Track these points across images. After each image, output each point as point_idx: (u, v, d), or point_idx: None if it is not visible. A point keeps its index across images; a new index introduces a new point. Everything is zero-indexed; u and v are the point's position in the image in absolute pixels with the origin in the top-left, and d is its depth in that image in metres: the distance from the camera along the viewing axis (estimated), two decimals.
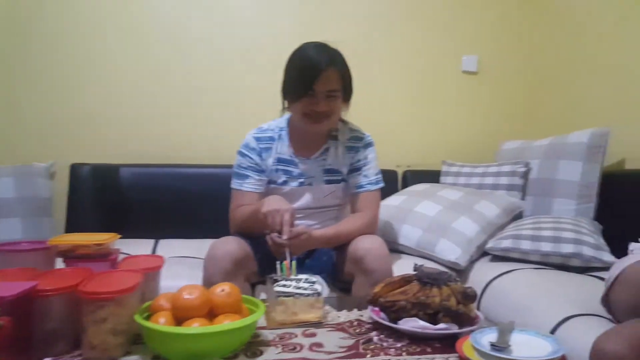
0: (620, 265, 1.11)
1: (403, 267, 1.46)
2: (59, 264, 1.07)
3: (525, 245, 1.59)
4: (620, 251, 1.23)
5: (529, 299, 1.32)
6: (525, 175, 1.97)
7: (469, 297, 1.02)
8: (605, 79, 1.97)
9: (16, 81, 2.09)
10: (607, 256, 1.48)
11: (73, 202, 2.01)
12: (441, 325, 0.99)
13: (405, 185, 2.26)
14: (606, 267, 1.44)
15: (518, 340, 0.90)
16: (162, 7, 2.20)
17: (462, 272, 1.68)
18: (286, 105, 1.50)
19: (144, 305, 0.94)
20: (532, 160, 1.98)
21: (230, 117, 2.23)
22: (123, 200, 2.02)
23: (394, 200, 1.98)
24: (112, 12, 2.15)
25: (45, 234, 1.74)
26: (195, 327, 0.85)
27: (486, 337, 0.90)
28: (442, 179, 2.26)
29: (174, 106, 2.22)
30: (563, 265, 1.54)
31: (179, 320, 0.88)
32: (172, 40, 2.20)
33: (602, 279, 1.21)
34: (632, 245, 1.18)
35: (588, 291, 1.24)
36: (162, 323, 0.86)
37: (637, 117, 1.79)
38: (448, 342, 0.97)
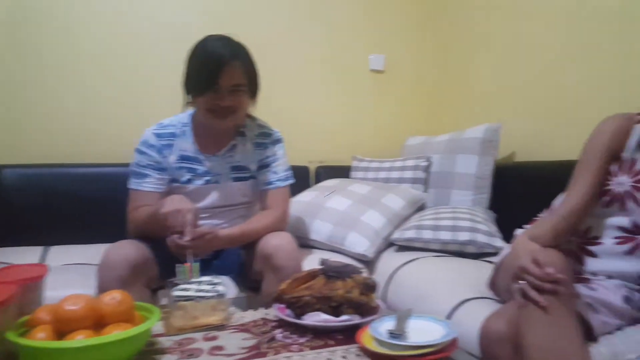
0: (505, 251, 1.21)
1: (314, 262, 1.45)
2: None
3: (427, 234, 1.69)
4: (512, 237, 1.33)
5: (428, 286, 1.40)
6: (427, 169, 2.09)
7: (370, 287, 1.06)
8: (497, 77, 2.15)
9: None
10: (499, 242, 1.61)
11: None
12: (343, 317, 1.01)
13: (318, 180, 2.29)
14: (498, 253, 1.58)
15: (415, 327, 0.94)
16: (55, 4, 2.00)
17: (370, 263, 1.74)
18: (189, 100, 1.44)
19: (21, 320, 0.85)
20: (433, 155, 2.10)
21: (127, 113, 2.09)
22: (7, 204, 1.82)
23: (305, 196, 2.00)
24: None
25: None
26: (79, 339, 0.78)
27: (385, 326, 0.93)
28: (353, 174, 2.32)
29: (66, 101, 2.03)
30: (460, 252, 1.65)
31: (61, 334, 0.80)
32: (64, 35, 2.02)
33: (493, 263, 1.31)
34: (518, 232, 1.29)
35: (481, 276, 1.33)
36: (40, 338, 0.78)
37: (525, 113, 1.97)
38: (350, 333, 0.99)
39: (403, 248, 1.76)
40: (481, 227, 1.65)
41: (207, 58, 1.35)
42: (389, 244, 1.81)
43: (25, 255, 1.52)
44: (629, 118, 1.08)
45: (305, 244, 1.81)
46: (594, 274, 1.09)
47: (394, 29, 2.55)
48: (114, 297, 0.88)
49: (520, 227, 1.28)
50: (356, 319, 1.02)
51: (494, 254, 1.55)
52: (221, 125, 1.44)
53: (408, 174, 2.12)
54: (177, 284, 1.09)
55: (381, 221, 1.81)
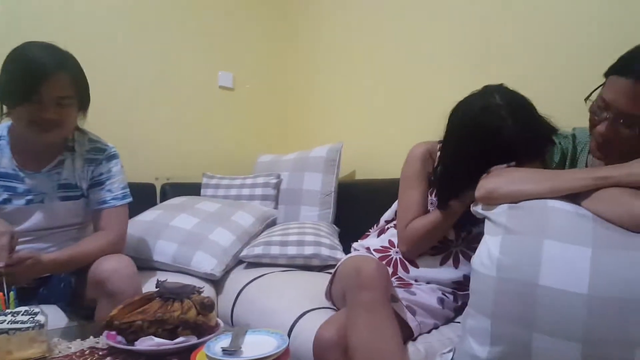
0: (340, 262, 1.36)
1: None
2: None
3: (275, 250, 1.79)
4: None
5: (273, 300, 1.48)
6: (277, 186, 2.21)
7: (207, 306, 1.10)
8: (339, 98, 2.39)
9: None
10: (340, 254, 1.77)
11: None
12: (179, 339, 1.03)
13: (165, 198, 2.25)
14: None
15: (251, 341, 1.00)
16: None
17: (218, 282, 1.78)
18: (5, 111, 1.33)
19: None
20: (282, 173, 2.24)
21: None
22: None
23: (148, 216, 1.95)
24: None
25: None
26: None
27: (220, 344, 0.98)
28: (203, 191, 2.34)
29: None
30: (306, 265, 1.79)
31: None
32: None
33: None
34: (353, 245, 1.46)
35: (323, 287, 1.44)
36: None
37: (363, 133, 2.23)
38: (187, 355, 1.00)
39: (252, 265, 1.83)
40: (325, 241, 1.81)
41: (28, 67, 1.27)
42: (238, 261, 1.87)
43: None
44: (433, 145, 1.32)
45: (149, 265, 1.77)
46: (416, 280, 1.28)
47: (243, 47, 2.66)
48: None
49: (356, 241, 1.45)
50: (192, 340, 1.05)
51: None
52: (45, 139, 1.36)
53: (258, 191, 2.21)
54: None
55: (230, 239, 1.86)
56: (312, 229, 1.88)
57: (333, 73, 2.43)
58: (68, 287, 1.40)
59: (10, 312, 1.03)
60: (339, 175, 2.12)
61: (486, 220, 0.96)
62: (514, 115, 1.05)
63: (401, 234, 1.27)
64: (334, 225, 2.04)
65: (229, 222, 1.94)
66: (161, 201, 2.24)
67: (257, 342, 1.00)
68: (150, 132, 2.36)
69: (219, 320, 1.16)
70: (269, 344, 0.99)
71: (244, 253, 1.83)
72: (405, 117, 2.02)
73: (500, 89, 1.11)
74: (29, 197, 1.39)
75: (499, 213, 0.93)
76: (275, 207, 2.20)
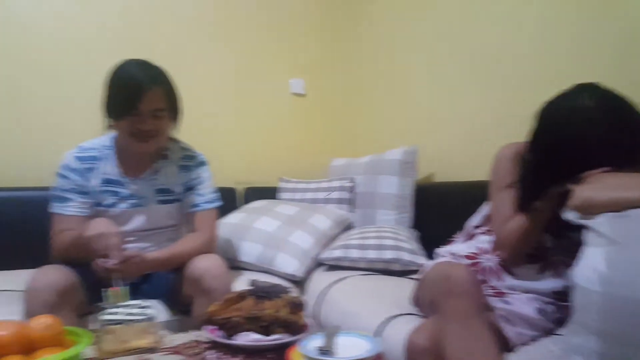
0: (426, 267, 1.37)
1: (245, 283, 1.53)
2: None
3: (354, 253, 1.83)
4: (433, 255, 1.48)
5: (357, 304, 1.51)
6: (352, 190, 2.26)
7: (297, 305, 1.17)
8: (417, 102, 2.39)
9: None
10: (422, 260, 1.77)
11: None
12: (274, 336, 1.11)
13: (246, 202, 2.36)
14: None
15: (343, 343, 1.03)
16: None
17: (300, 283, 1.85)
18: (110, 123, 1.49)
19: None
20: (357, 176, 2.27)
21: (47, 136, 2.09)
22: None
23: (233, 218, 2.07)
24: None
25: None
26: None
27: (314, 343, 1.02)
28: (280, 195, 2.44)
29: None
30: (386, 270, 1.80)
31: None
32: None
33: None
34: (437, 250, 1.45)
35: (406, 293, 1.45)
36: None
37: (440, 136, 2.21)
38: (282, 352, 1.07)
39: (332, 267, 1.88)
40: (405, 246, 1.82)
41: (127, 84, 1.41)
42: (317, 263, 1.93)
43: None
44: (522, 147, 1.29)
45: (235, 265, 1.89)
46: (512, 289, 1.22)
47: (313, 54, 2.75)
48: (43, 322, 0.92)
49: (442, 246, 1.45)
50: (286, 338, 1.12)
51: (418, 272, 1.69)
52: (143, 149, 1.50)
53: (334, 195, 2.27)
54: (105, 308, 1.14)
55: (309, 241, 1.93)
56: (390, 233, 1.90)
57: (405, 74, 2.44)
58: (167, 284, 1.53)
59: (125, 304, 1.16)
60: (415, 178, 2.12)
61: (586, 230, 0.92)
62: (606, 117, 0.99)
63: (498, 237, 1.24)
64: (413, 230, 2.05)
65: (307, 225, 2.01)
66: (242, 205, 2.36)
67: (348, 344, 1.03)
68: (229, 139, 2.51)
69: (309, 320, 1.22)
70: (361, 346, 1.02)
71: (323, 255, 1.89)
72: (485, 118, 1.98)
73: (592, 87, 1.05)
74: (131, 201, 1.54)
75: (601, 223, 0.88)
76: (352, 211, 2.24)
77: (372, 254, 1.80)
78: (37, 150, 2.07)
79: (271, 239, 1.92)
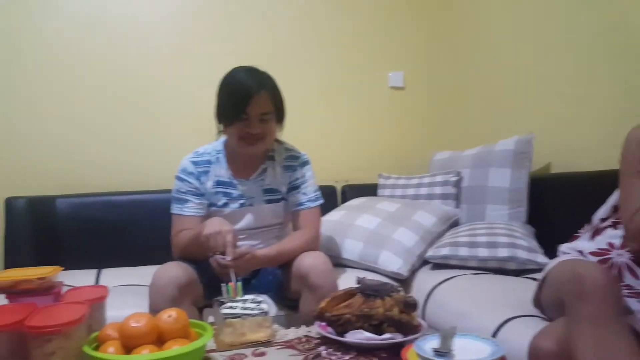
0: (549, 267, 1.27)
1: (348, 280, 1.54)
2: (2, 300, 1.08)
3: (463, 251, 1.76)
4: (553, 252, 1.38)
5: (469, 304, 1.45)
6: (457, 184, 2.16)
7: (410, 305, 1.14)
8: (527, 89, 2.23)
9: None
10: (541, 258, 1.66)
11: (10, 236, 2.02)
12: (386, 335, 1.10)
13: (345, 200, 2.38)
14: (541, 269, 1.61)
15: (460, 345, 0.98)
16: (90, 34, 2.21)
17: (405, 282, 1.82)
18: (221, 128, 1.59)
19: (92, 336, 0.97)
20: (462, 169, 2.17)
21: (166, 143, 2.28)
22: (61, 231, 2.05)
23: (333, 216, 2.09)
24: (29, 42, 2.14)
25: None
26: (145, 353, 0.90)
27: (429, 344, 0.98)
28: (380, 191, 2.41)
29: (108, 134, 2.25)
30: (500, 269, 1.71)
31: (127, 349, 0.92)
32: (102, 68, 2.23)
33: (536, 280, 1.34)
34: (561, 248, 1.35)
35: (524, 293, 1.37)
36: (111, 352, 0.90)
37: (558, 124, 2.05)
38: (394, 351, 1.07)
39: (438, 266, 1.82)
40: (521, 243, 1.70)
41: (235, 90, 1.50)
42: (423, 262, 1.88)
43: (82, 278, 1.69)
44: None
45: (338, 262, 1.90)
46: None
47: (412, 45, 2.67)
48: (171, 315, 1.00)
49: (562, 243, 1.34)
50: (398, 337, 1.10)
51: (536, 271, 1.60)
52: (252, 152, 1.58)
53: (437, 190, 2.19)
54: (223, 302, 1.21)
55: (413, 239, 1.89)
56: (504, 229, 1.79)
57: (516, 61, 2.29)
58: (276, 279, 1.59)
59: (241, 299, 1.22)
60: (530, 169, 1.98)
61: None
62: None
63: (627, 229, 1.13)
64: (529, 226, 1.91)
65: (411, 222, 1.97)
66: (341, 202, 2.38)
67: (466, 347, 0.99)
68: (326, 136, 2.54)
69: (421, 320, 1.19)
70: (481, 349, 0.98)
71: (429, 253, 1.84)
72: (610, 97, 1.79)
73: None
74: (241, 201, 1.62)
75: None
76: (457, 206, 2.15)
77: (483, 252, 1.72)
78: (158, 156, 2.27)
79: (373, 237, 1.90)
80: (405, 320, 1.13)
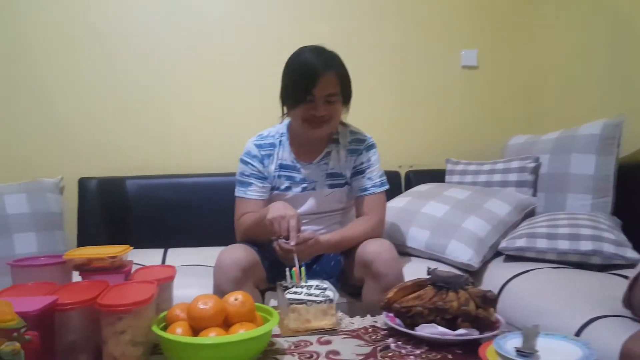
0: None
1: (413, 270, 1.49)
2: (75, 277, 1.13)
3: (541, 243, 1.64)
4: None
5: (548, 300, 1.36)
6: (535, 171, 2.03)
7: (489, 301, 1.07)
8: (616, 66, 2.04)
9: (20, 96, 2.15)
10: (630, 252, 1.53)
11: (82, 215, 2.12)
12: (461, 331, 1.04)
13: (409, 186, 2.31)
14: (629, 265, 1.49)
15: (544, 345, 0.91)
16: (157, 21, 2.26)
17: (475, 274, 1.73)
18: (285, 111, 1.56)
19: (160, 316, 0.99)
20: (541, 155, 2.04)
21: (231, 125, 2.30)
22: (130, 211, 2.14)
23: (398, 202, 2.03)
24: (108, 25, 2.22)
25: (59, 247, 1.83)
26: (213, 336, 0.90)
27: (510, 342, 0.92)
28: (447, 177, 2.31)
29: (176, 117, 2.30)
30: (582, 263, 1.58)
31: (195, 330, 0.93)
32: (170, 52, 2.28)
33: (625, 277, 1.25)
34: None
35: (612, 290, 1.25)
36: (179, 333, 0.91)
37: None
38: (468, 348, 1.01)
39: (512, 258, 1.73)
40: (607, 236, 1.57)
41: (301, 70, 1.46)
42: (494, 253, 1.79)
43: (150, 257, 1.78)
44: None
45: (402, 250, 1.84)
46: None
47: (486, 22, 2.52)
48: (238, 299, 0.99)
49: None
50: (475, 334, 1.04)
51: (623, 266, 1.49)
52: (316, 135, 1.54)
53: (513, 177, 2.07)
54: (287, 287, 1.19)
55: (485, 228, 1.79)
56: (587, 220, 1.66)
57: (606, 37, 2.09)
58: (338, 266, 1.57)
59: (305, 285, 1.20)
60: (618, 155, 1.82)
61: None
62: None
63: None
64: (615, 217, 1.76)
65: (483, 210, 1.87)
66: (405, 188, 2.31)
67: (551, 347, 0.92)
68: (391, 118, 2.45)
69: (499, 316, 1.12)
70: (568, 351, 0.90)
71: (503, 245, 1.74)
72: None
73: None
74: (304, 185, 1.60)
75: None
76: (534, 195, 2.02)
77: (564, 245, 1.60)
78: (222, 139, 2.29)
79: (441, 225, 1.83)
80: (482, 315, 1.06)
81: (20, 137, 2.15)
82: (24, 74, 2.15)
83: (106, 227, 2.11)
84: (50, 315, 0.85)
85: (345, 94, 1.52)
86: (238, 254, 1.38)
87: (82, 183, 2.13)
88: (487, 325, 1.07)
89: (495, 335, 0.99)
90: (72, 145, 2.20)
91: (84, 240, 2.06)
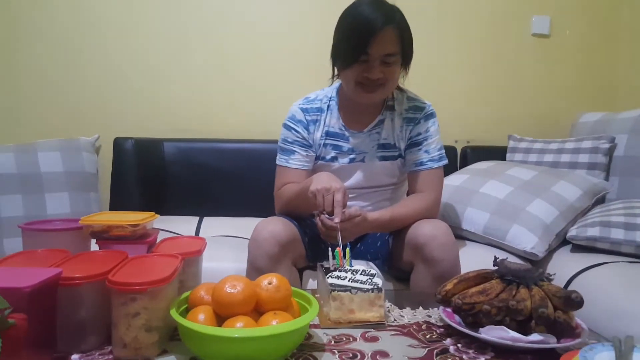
0: None
1: (468, 256, 1.31)
2: (93, 246, 1.00)
3: (617, 234, 1.41)
4: None
5: (627, 300, 1.15)
6: (609, 153, 1.77)
7: (574, 303, 0.85)
8: None
9: (58, 57, 2.04)
10: None
11: (117, 176, 2.00)
12: (535, 337, 0.83)
13: (465, 163, 2.10)
14: None
15: None
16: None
17: (537, 264, 1.51)
18: (336, 72, 1.35)
19: (183, 296, 0.84)
20: (617, 135, 1.77)
21: (276, 88, 2.12)
22: (166, 175, 2.01)
23: (454, 180, 1.81)
24: None
25: (92, 209, 1.74)
26: (239, 328, 0.73)
27: (599, 356, 0.73)
28: (509, 155, 2.07)
29: (217, 79, 2.13)
30: None
31: (220, 317, 0.77)
32: (209, 12, 2.10)
33: None
34: None
35: None
36: (200, 320, 0.75)
37: None
38: (542, 356, 0.82)
39: (581, 248, 1.50)
40: None
41: (357, 25, 1.23)
42: (561, 241, 1.56)
43: (183, 225, 1.66)
44: None
45: (456, 234, 1.61)
46: None
47: None
48: (272, 282, 0.82)
49: None
50: (552, 341, 0.83)
51: None
52: (369, 100, 1.33)
53: (583, 158, 1.81)
54: (329, 270, 1.02)
55: (553, 214, 1.55)
56: None
57: None
58: (385, 247, 1.38)
59: (350, 269, 1.02)
60: None
61: None
62: None
63: None
64: None
65: (550, 193, 1.62)
66: (461, 165, 2.08)
67: None
68: (449, 88, 2.21)
69: (580, 321, 0.91)
70: None
71: (572, 233, 1.50)
72: None
73: None
74: (352, 156, 1.40)
75: None
76: (606, 179, 1.76)
77: None
78: (267, 102, 2.12)
79: (503, 207, 1.60)
80: (562, 319, 0.85)
81: (59, 96, 2.05)
82: (63, 37, 2.03)
83: (141, 191, 1.97)
84: (50, 293, 0.70)
85: (405, 54, 1.29)
86: (276, 227, 1.21)
87: (118, 143, 1.99)
88: (566, 331, 0.86)
89: (577, 345, 0.80)
90: (109, 104, 2.08)
91: (116, 204, 1.95)
